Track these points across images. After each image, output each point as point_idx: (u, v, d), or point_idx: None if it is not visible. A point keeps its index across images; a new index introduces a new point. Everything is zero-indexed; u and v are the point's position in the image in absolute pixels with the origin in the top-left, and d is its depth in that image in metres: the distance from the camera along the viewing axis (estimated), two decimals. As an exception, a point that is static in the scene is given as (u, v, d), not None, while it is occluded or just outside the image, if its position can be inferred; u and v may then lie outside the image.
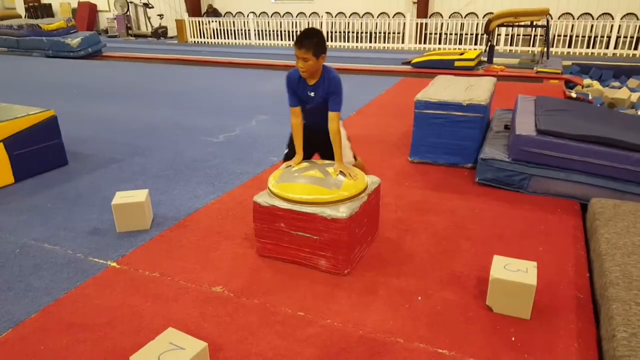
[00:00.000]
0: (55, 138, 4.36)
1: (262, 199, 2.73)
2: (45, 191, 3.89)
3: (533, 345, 2.12)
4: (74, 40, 12.27)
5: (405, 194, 3.75)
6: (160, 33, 16.48)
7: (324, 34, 13.97)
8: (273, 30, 14.83)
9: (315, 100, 2.83)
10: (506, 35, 12.39)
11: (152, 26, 16.98)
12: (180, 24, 15.31)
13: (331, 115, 2.80)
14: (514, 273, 2.30)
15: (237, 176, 4.15)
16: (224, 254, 2.90)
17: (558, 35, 12.07)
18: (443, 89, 4.55)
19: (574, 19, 12.20)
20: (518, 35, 12.37)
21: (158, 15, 16.89)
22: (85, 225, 3.30)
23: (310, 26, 14.14)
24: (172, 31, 16.47)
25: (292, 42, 14.15)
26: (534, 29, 11.38)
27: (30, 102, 4.85)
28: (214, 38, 15.36)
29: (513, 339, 2.16)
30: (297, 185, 2.67)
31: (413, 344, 2.14)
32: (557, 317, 2.30)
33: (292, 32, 14.41)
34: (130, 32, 17.13)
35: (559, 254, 2.86)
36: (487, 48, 9.71)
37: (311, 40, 2.62)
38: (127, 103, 7.15)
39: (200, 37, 15.43)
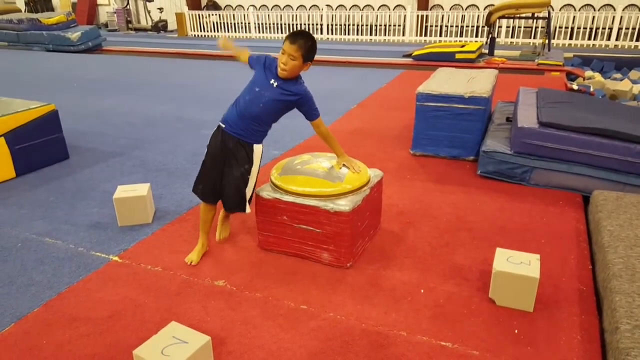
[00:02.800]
0: (56, 132, 4.35)
1: (265, 192, 2.73)
2: (46, 185, 3.89)
3: (536, 338, 2.12)
4: (74, 34, 12.23)
5: (407, 186, 3.74)
6: (160, 27, 16.41)
7: (324, 26, 13.94)
8: (273, 23, 14.76)
9: (270, 92, 2.56)
10: (507, 27, 12.33)
11: (152, 20, 16.91)
12: (180, 17, 15.24)
13: (316, 123, 2.69)
14: (516, 266, 2.30)
15: (239, 170, 4.13)
16: (226, 248, 2.90)
17: (559, 27, 12.00)
18: (444, 82, 4.52)
19: (575, 10, 12.13)
20: (519, 27, 12.30)
21: (158, 8, 16.81)
22: (86, 220, 3.30)
23: (310, 19, 14.15)
24: (172, 25, 16.40)
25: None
26: (535, 20, 11.32)
27: (30, 97, 4.84)
28: (214, 31, 15.29)
29: (516, 331, 2.16)
30: (300, 178, 2.66)
31: (416, 337, 2.14)
32: (560, 309, 2.30)
33: (293, 25, 14.35)
34: (130, 25, 17.05)
35: (561, 246, 2.86)
36: (488, 40, 9.66)
37: (306, 41, 2.48)
38: (128, 97, 7.13)
39: (201, 31, 15.37)
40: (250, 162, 2.65)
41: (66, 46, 12.25)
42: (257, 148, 2.68)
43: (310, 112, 2.66)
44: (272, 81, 2.58)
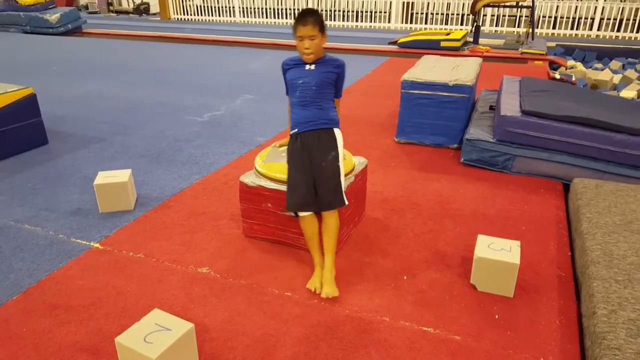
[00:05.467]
0: (35, 116, 4.25)
1: (249, 179, 2.71)
2: (25, 171, 3.81)
3: (516, 323, 2.16)
4: (52, 16, 11.90)
5: (392, 174, 3.75)
6: (142, 9, 16.07)
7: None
8: (258, 8, 14.55)
9: (314, 74, 2.50)
10: (492, 15, 12.36)
11: (134, 2, 16.54)
12: (162, 0, 14.93)
13: (339, 101, 2.64)
14: (497, 252, 2.33)
15: (223, 156, 4.10)
16: (210, 235, 2.88)
17: (543, 16, 12.08)
18: (429, 69, 4.53)
19: (558, 0, 12.20)
20: (504, 16, 12.35)
21: (139, -9, 16.45)
22: (67, 206, 3.24)
23: (295, 4, 13.97)
24: (154, 7, 16.06)
25: (277, 20, 13.65)
26: (519, 9, 11.36)
27: (8, 80, 4.71)
28: (198, 15, 15.03)
29: (496, 316, 2.20)
30: (284, 165, 2.64)
31: (399, 323, 2.16)
32: (539, 295, 2.34)
33: (277, 10, 14.17)
34: (111, 8, 16.66)
35: (541, 233, 2.91)
36: (473, 28, 9.68)
37: (315, 16, 2.44)
38: (109, 81, 6.99)
39: (184, 14, 15.09)
40: (335, 147, 2.48)
41: (44, 28, 11.92)
42: (338, 132, 2.54)
43: (341, 88, 2.63)
44: (307, 67, 2.53)
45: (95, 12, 16.55)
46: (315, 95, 2.51)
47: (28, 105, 4.19)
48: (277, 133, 4.62)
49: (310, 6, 13.85)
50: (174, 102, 5.81)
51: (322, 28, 2.46)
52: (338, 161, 2.47)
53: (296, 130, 2.53)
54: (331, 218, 2.44)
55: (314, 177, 2.45)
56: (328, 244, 2.43)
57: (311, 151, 2.47)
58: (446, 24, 12.84)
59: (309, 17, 2.43)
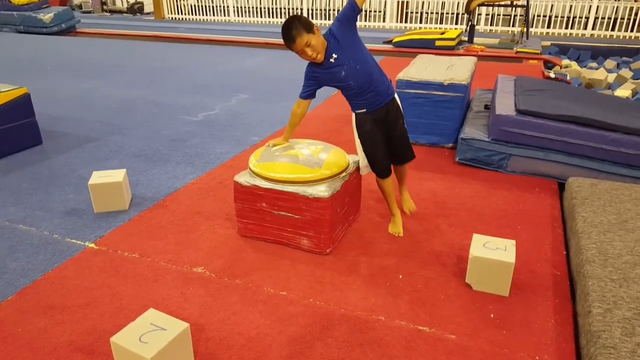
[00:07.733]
0: (29, 116, 4.23)
1: (243, 178, 2.71)
2: (19, 171, 3.79)
3: (511, 322, 2.17)
4: (46, 16, 11.84)
5: (387, 173, 3.75)
6: (136, 9, 16.02)
7: (305, 11, 13.80)
8: (252, 7, 14.52)
9: (343, 59, 2.48)
10: (487, 15, 12.40)
11: (127, 1, 16.48)
12: (156, -1, 14.89)
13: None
14: (492, 251, 2.34)
15: (218, 156, 4.10)
16: (205, 235, 2.88)
17: (537, 16, 12.12)
18: (424, 69, 4.53)
19: (553, -1, 12.25)
20: (498, 15, 12.39)
21: (134, -10, 16.39)
22: (61, 206, 3.23)
23: (290, 3, 13.94)
24: (148, 7, 16.01)
25: (271, 20, 13.63)
26: (514, 9, 11.40)
27: (1, 80, 4.68)
28: (192, 14, 15.00)
29: (492, 315, 2.21)
30: (279, 165, 2.64)
31: (394, 322, 2.16)
32: (534, 294, 2.35)
33: (272, 9, 14.15)
34: (105, 7, 16.59)
35: (536, 232, 2.92)
36: (468, 28, 9.70)
37: (296, 28, 2.37)
38: (103, 81, 6.96)
39: (178, 14, 15.04)
40: (402, 114, 2.80)
41: (38, 28, 11.86)
42: (397, 96, 2.77)
43: (348, 6, 2.49)
44: (331, 61, 2.49)
45: (89, 12, 16.48)
46: (367, 71, 2.56)
47: (22, 105, 4.16)
48: (272, 132, 4.61)
49: (304, 6, 13.84)
50: (168, 102, 5.79)
51: (309, 29, 2.39)
52: (405, 124, 2.84)
53: (364, 110, 2.69)
54: (405, 167, 3.04)
55: (390, 142, 2.80)
56: (404, 181, 3.11)
57: (384, 123, 2.73)
58: (441, 23, 12.87)
59: (291, 32, 2.37)
